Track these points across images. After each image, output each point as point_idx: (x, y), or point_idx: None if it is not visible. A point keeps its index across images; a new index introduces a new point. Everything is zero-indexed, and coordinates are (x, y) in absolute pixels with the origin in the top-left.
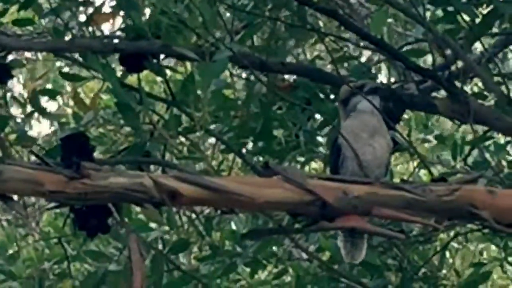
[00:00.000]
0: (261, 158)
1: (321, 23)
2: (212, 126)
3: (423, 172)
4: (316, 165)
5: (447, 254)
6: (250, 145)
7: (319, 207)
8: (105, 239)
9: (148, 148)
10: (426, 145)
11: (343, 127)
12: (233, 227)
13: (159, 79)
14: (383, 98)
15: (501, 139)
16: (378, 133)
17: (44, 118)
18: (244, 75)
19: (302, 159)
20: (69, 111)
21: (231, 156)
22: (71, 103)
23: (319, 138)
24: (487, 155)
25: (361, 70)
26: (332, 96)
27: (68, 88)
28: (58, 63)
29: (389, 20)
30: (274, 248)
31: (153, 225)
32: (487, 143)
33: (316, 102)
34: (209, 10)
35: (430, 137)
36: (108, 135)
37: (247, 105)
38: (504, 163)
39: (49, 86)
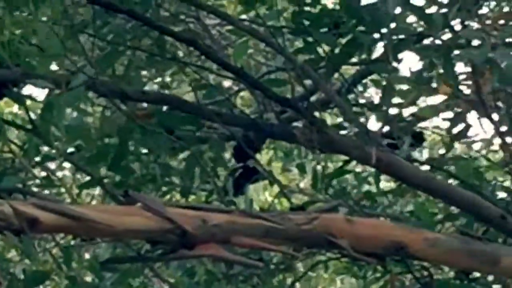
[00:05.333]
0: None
1: (181, 53)
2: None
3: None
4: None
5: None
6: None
7: (179, 235)
8: None
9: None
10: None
11: None
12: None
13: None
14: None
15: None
16: None
17: None
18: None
19: (160, 192)
20: None
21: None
22: None
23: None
24: (348, 186)
25: (215, 95)
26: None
27: None
28: None
29: (250, 50)
30: (135, 279)
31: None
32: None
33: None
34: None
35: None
36: None
37: (104, 133)
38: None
39: None
